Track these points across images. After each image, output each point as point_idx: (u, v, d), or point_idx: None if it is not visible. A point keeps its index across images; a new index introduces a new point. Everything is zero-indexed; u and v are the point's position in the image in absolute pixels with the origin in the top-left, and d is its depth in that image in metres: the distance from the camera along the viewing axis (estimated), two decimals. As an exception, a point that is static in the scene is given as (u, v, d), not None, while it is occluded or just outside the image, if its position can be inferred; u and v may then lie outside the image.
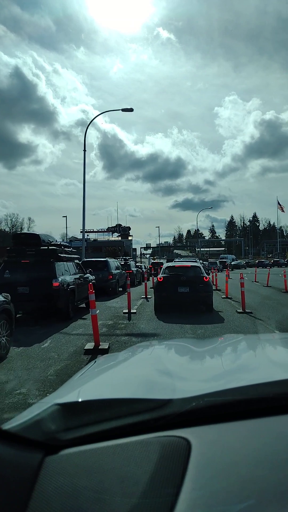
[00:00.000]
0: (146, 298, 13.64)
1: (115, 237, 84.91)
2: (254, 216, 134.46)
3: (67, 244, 12.90)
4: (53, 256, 9.19)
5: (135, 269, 22.88)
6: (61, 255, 9.64)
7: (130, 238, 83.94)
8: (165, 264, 11.79)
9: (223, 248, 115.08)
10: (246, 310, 9.82)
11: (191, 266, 10.92)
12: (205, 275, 10.36)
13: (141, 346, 1.85)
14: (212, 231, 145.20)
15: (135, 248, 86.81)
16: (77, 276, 10.33)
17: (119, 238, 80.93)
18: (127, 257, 27.58)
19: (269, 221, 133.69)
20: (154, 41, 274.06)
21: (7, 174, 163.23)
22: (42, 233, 10.80)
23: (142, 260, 69.77)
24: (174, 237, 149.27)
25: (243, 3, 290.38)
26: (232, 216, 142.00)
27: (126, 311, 10.05)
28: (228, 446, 0.69)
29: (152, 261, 47.20)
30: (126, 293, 10.83)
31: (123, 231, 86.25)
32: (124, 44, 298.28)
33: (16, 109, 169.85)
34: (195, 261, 17.53)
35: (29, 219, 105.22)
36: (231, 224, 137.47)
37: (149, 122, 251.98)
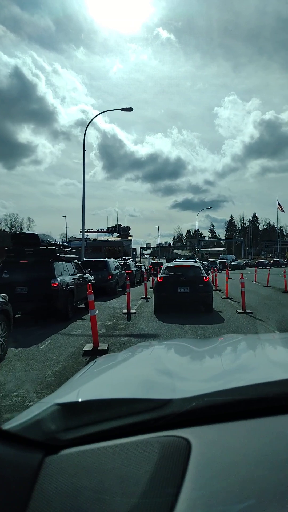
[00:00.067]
0: (145, 298, 13.64)
1: (114, 237, 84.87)
2: (254, 216, 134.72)
3: (66, 244, 12.90)
4: (52, 256, 9.17)
5: (135, 269, 22.89)
6: (60, 255, 9.62)
7: (129, 238, 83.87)
8: (165, 264, 11.79)
9: (222, 248, 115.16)
10: (246, 311, 9.81)
11: (191, 266, 10.92)
12: (205, 275, 10.35)
13: (141, 346, 1.85)
14: (212, 231, 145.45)
15: (135, 248, 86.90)
16: (76, 276, 10.32)
17: (119, 238, 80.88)
18: (127, 257, 27.57)
19: (269, 221, 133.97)
20: (153, 41, 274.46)
21: (7, 174, 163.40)
22: (41, 233, 10.80)
23: (142, 260, 69.85)
24: (174, 237, 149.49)
25: (243, 3, 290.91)
26: (232, 216, 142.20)
27: (126, 311, 10.04)
28: (228, 446, 0.69)
29: (152, 261, 47.21)
30: (126, 293, 10.81)
31: (123, 231, 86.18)
32: (123, 44, 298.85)
33: (15, 109, 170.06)
34: (195, 261, 17.53)
35: (29, 219, 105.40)
36: (230, 224, 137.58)
37: (149, 122, 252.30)
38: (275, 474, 0.61)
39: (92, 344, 6.05)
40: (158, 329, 7.90)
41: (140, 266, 28.77)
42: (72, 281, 9.66)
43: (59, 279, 8.77)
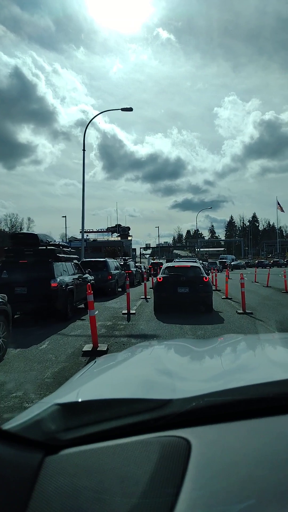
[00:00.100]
0: (145, 298, 13.63)
1: (114, 237, 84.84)
2: (254, 216, 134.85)
3: (66, 244, 12.89)
4: (52, 256, 9.15)
5: (135, 269, 22.89)
6: (60, 255, 9.60)
7: (129, 238, 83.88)
8: (165, 264, 11.78)
9: (222, 248, 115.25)
10: (246, 311, 9.81)
11: (191, 266, 10.92)
12: (205, 275, 10.35)
13: (140, 346, 1.85)
14: (212, 231, 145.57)
15: (135, 248, 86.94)
16: (76, 276, 10.30)
17: (119, 238, 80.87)
18: (127, 257, 27.59)
19: (269, 221, 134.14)
20: (153, 41, 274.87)
21: (7, 174, 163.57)
22: (40, 233, 10.79)
23: (142, 260, 69.82)
24: (174, 237, 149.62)
25: (243, 3, 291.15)
26: (231, 216, 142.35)
27: (125, 311, 10.03)
28: (228, 446, 0.69)
29: (152, 261, 47.20)
30: (126, 293, 10.80)
31: (123, 231, 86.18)
32: (123, 44, 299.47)
33: (15, 109, 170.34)
34: (195, 261, 17.52)
35: (29, 219, 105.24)
36: (230, 224, 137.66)
37: (149, 122, 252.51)
38: (275, 474, 0.61)
39: (92, 345, 6.04)
40: (158, 329, 7.89)
41: (140, 266, 28.76)
42: (72, 281, 9.65)
43: (58, 279, 8.76)
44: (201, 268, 10.95)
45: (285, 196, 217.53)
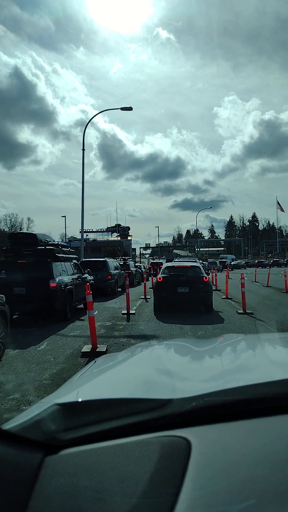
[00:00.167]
0: (145, 298, 13.63)
1: (114, 237, 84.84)
2: (254, 216, 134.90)
3: (65, 243, 12.88)
4: (50, 256, 9.13)
5: (134, 269, 22.88)
6: (59, 255, 9.58)
7: (129, 238, 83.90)
8: (165, 264, 11.77)
9: (222, 248, 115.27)
10: (247, 311, 9.80)
11: (191, 266, 10.92)
12: (205, 275, 10.35)
13: (140, 346, 1.85)
14: (212, 231, 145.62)
15: (135, 248, 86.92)
16: (75, 276, 10.28)
17: (118, 238, 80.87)
18: (126, 257, 27.58)
19: (269, 221, 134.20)
20: (153, 41, 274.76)
21: (7, 174, 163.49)
22: (39, 232, 10.78)
23: (142, 260, 69.78)
24: (174, 237, 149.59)
25: (243, 3, 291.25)
26: (231, 216, 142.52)
27: (125, 312, 10.03)
28: (228, 446, 0.69)
29: (152, 261, 47.19)
30: (125, 293, 10.80)
31: (123, 231, 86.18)
32: (123, 44, 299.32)
33: (15, 109, 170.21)
34: (195, 261, 17.53)
35: (29, 219, 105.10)
36: (230, 224, 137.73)
37: (149, 122, 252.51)
38: (275, 474, 0.61)
39: (91, 346, 6.02)
40: (158, 329, 7.88)
41: (140, 266, 28.74)
42: (71, 281, 9.63)
43: (57, 279, 8.74)
44: (201, 268, 10.94)
45: (285, 196, 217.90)
